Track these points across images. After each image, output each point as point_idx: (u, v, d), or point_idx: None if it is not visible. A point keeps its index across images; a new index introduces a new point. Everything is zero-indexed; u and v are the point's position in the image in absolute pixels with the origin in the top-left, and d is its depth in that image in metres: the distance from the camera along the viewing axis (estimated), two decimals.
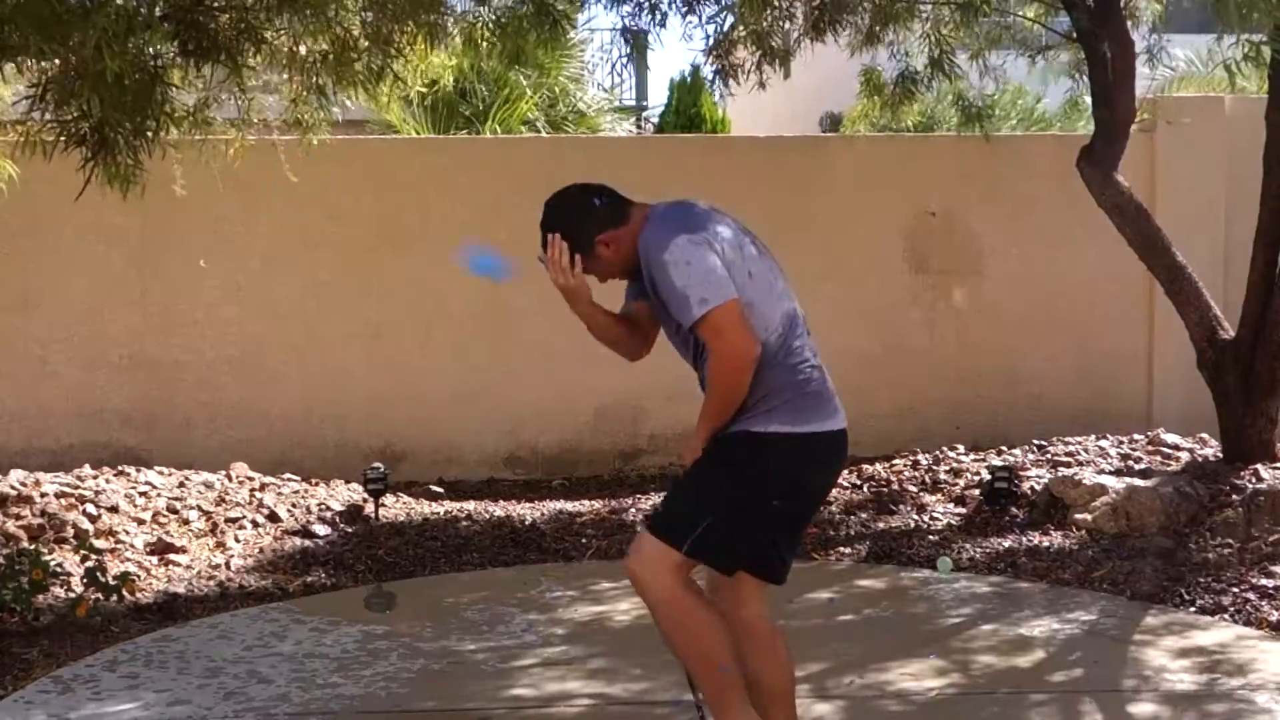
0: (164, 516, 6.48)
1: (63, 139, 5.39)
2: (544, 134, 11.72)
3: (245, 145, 6.75)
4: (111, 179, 5.43)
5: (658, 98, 21.19)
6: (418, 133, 11.11)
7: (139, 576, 5.61)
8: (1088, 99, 7.51)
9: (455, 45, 6.87)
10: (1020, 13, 7.80)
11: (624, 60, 7.44)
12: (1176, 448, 7.21)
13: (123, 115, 5.07)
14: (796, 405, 3.25)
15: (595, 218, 3.36)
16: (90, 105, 4.79)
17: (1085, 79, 7.28)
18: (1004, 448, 7.63)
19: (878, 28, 7.35)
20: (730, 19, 7.21)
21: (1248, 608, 5.07)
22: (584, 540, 6.50)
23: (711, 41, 7.45)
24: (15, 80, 6.15)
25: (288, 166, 7.23)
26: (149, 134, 5.53)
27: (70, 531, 5.99)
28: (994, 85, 8.23)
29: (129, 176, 5.46)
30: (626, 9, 7.05)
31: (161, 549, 6.11)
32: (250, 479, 7.32)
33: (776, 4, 7.02)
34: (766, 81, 7.50)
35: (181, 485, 7.02)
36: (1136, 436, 7.53)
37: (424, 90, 7.49)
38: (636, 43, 7.30)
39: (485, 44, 6.74)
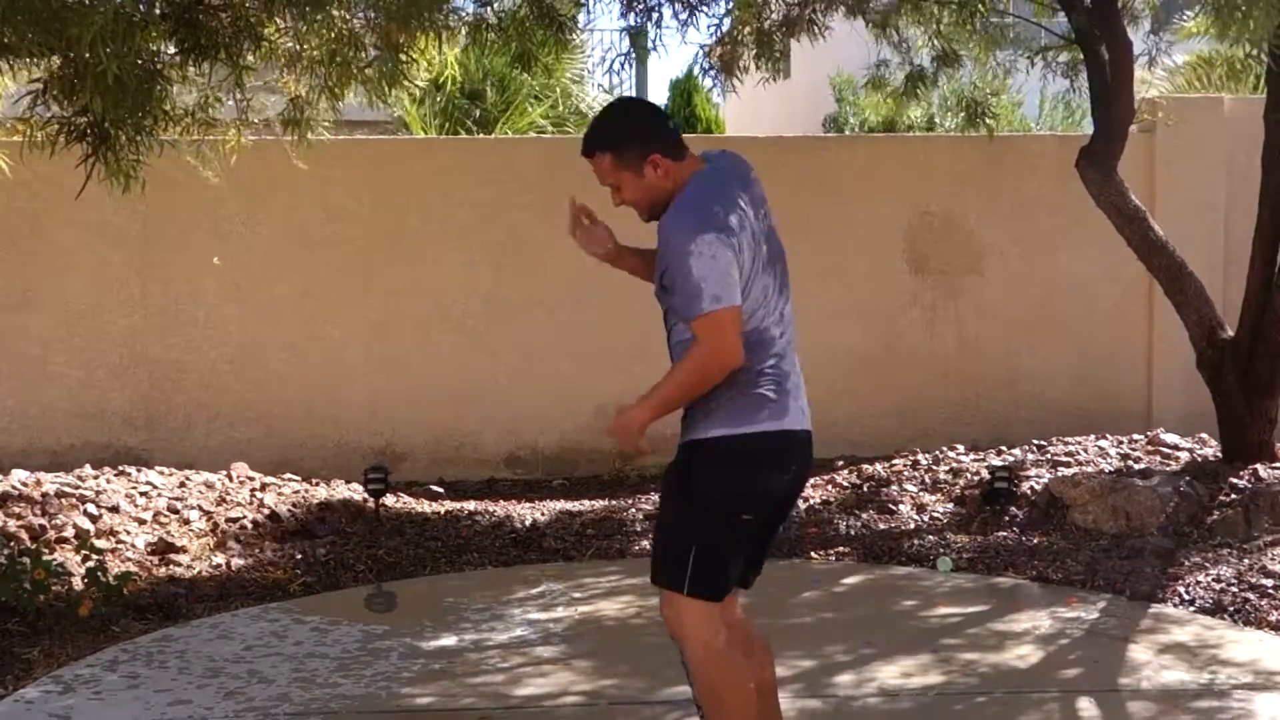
0: (165, 516, 6.48)
1: (62, 136, 5.39)
2: (545, 134, 11.73)
3: (247, 145, 6.76)
4: (112, 174, 5.44)
5: (658, 98, 21.21)
6: (427, 133, 11.12)
7: (140, 576, 5.61)
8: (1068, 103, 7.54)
9: (459, 43, 6.88)
10: (1017, 13, 7.81)
11: (624, 60, 7.41)
12: (1176, 448, 7.21)
13: (123, 112, 5.08)
14: (737, 406, 3.18)
15: (661, 135, 3.28)
16: (92, 102, 4.79)
17: (1084, 79, 7.28)
18: (1004, 448, 7.63)
19: (887, 18, 7.37)
20: (728, 19, 7.23)
21: (1247, 607, 5.08)
22: (584, 540, 6.50)
23: (711, 41, 7.47)
24: (12, 80, 6.16)
25: (297, 162, 7.23)
26: (149, 131, 5.54)
27: (71, 531, 5.99)
28: (998, 84, 8.25)
29: (130, 172, 5.46)
30: (631, 15, 7.07)
31: (162, 549, 6.11)
32: (250, 479, 7.32)
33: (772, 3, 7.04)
34: (765, 81, 7.50)
35: (182, 485, 7.02)
36: (1136, 436, 7.53)
37: (431, 87, 7.49)
38: (637, 43, 7.31)
39: (490, 45, 6.75)
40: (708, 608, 3.17)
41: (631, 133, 3.27)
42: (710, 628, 3.17)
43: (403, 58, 6.04)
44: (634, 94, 18.72)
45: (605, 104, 3.44)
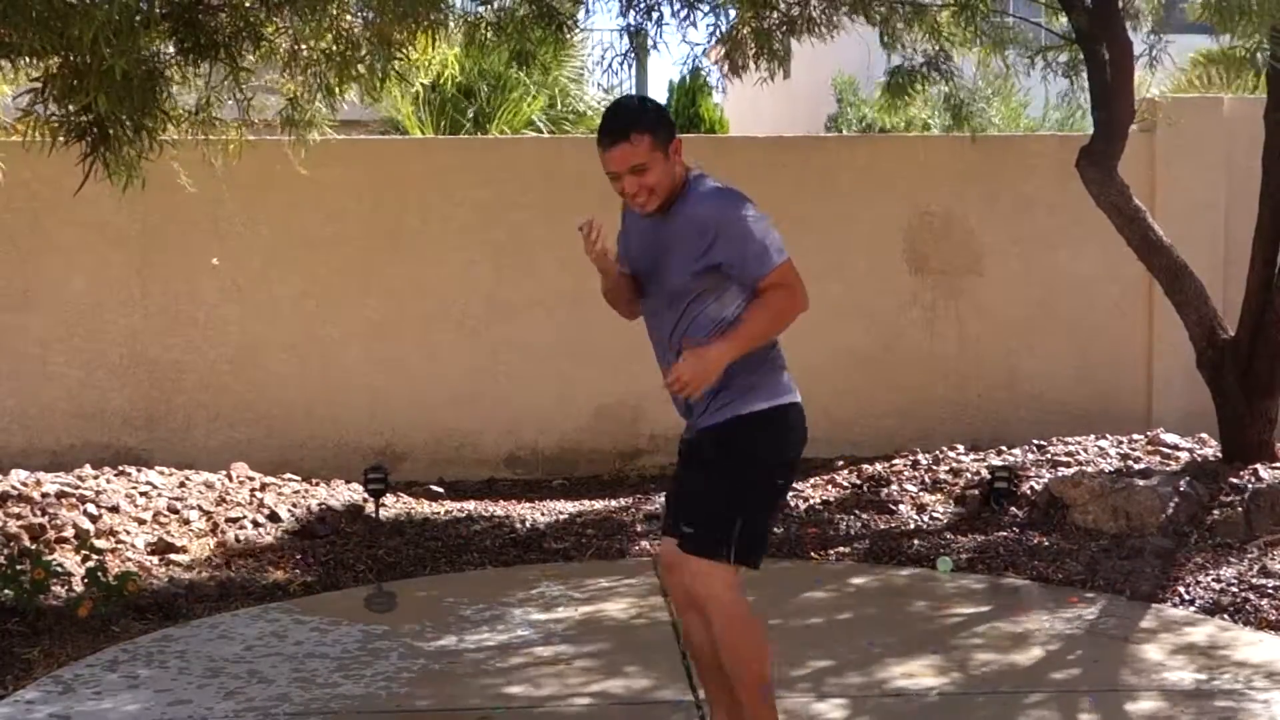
0: (164, 516, 6.49)
1: (63, 134, 5.38)
2: (544, 134, 11.73)
3: (245, 144, 6.76)
4: (113, 173, 5.44)
5: (658, 98, 21.19)
6: (422, 132, 11.13)
7: (139, 576, 5.61)
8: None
9: (457, 41, 6.88)
10: (1017, 14, 7.82)
11: (624, 59, 7.42)
12: (1176, 448, 7.21)
13: (125, 111, 5.07)
14: (770, 382, 3.39)
15: (674, 127, 3.45)
16: (95, 100, 4.79)
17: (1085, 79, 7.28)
18: (1004, 448, 7.63)
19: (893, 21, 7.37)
20: (726, 18, 7.23)
21: (1247, 607, 5.08)
22: (584, 540, 6.50)
23: (712, 40, 7.48)
24: (14, 79, 6.16)
25: (296, 162, 7.25)
26: (150, 130, 5.54)
27: (71, 531, 6.00)
28: (994, 91, 8.25)
29: (131, 169, 5.46)
30: (631, 14, 7.06)
31: (162, 549, 6.11)
32: (250, 479, 7.33)
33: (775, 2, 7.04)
34: (765, 80, 7.50)
35: (182, 485, 7.03)
36: (1136, 436, 7.53)
37: (425, 86, 7.49)
38: (638, 42, 7.31)
39: (488, 44, 6.75)
40: (736, 575, 3.36)
41: (666, 118, 3.44)
42: (737, 593, 3.37)
43: (399, 55, 6.05)
44: (634, 94, 18.77)
45: (625, 96, 3.53)
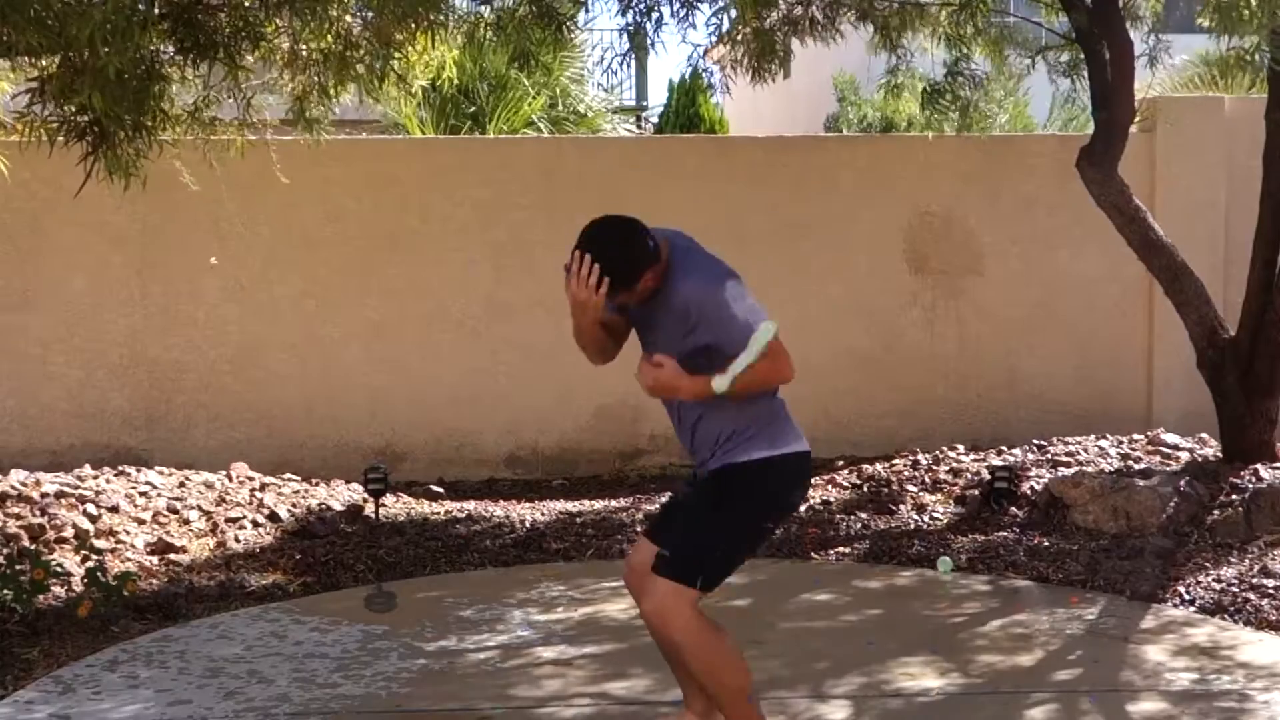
0: (164, 516, 6.49)
1: (62, 134, 5.38)
2: (544, 134, 11.74)
3: (245, 145, 6.76)
4: (112, 171, 5.44)
5: (658, 98, 21.21)
6: (423, 132, 11.13)
7: (139, 576, 5.61)
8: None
9: (457, 42, 6.89)
10: (1018, 13, 7.82)
11: (624, 59, 7.42)
12: (1176, 448, 7.21)
13: (122, 110, 5.07)
14: (770, 431, 3.46)
15: (648, 256, 3.41)
16: (91, 100, 4.79)
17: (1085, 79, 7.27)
18: (1004, 448, 7.63)
19: (892, 27, 7.37)
20: (726, 19, 7.22)
21: (1247, 607, 5.08)
22: (584, 540, 6.50)
23: (712, 40, 7.47)
24: (10, 79, 6.16)
25: (279, 168, 7.26)
26: (148, 129, 5.54)
27: (71, 531, 5.99)
28: (1007, 93, 8.25)
29: (130, 168, 5.46)
30: (630, 14, 7.05)
31: (162, 549, 6.11)
32: (250, 479, 7.32)
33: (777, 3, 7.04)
34: (765, 81, 7.49)
35: (182, 485, 7.02)
36: (1136, 436, 7.53)
37: (425, 86, 7.50)
38: (637, 42, 7.30)
39: (488, 44, 6.76)
40: (692, 598, 3.41)
41: (629, 269, 3.38)
42: (693, 613, 3.41)
43: (398, 55, 6.04)
44: (634, 93, 18.75)
45: (600, 238, 3.41)
